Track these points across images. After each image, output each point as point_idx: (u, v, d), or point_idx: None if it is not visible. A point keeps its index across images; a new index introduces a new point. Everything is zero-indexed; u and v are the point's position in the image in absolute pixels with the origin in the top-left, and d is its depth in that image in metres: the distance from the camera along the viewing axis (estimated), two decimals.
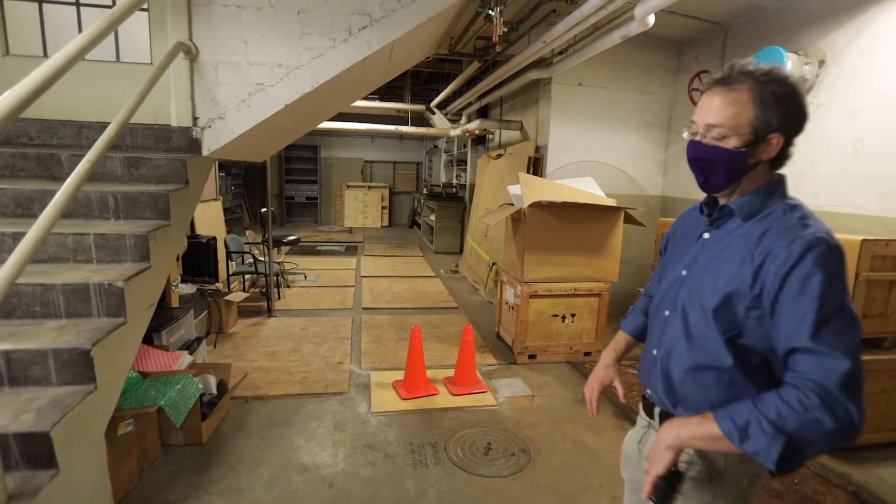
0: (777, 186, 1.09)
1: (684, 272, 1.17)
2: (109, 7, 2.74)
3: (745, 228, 1.08)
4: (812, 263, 0.94)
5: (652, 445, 1.07)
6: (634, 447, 1.32)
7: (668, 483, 1.12)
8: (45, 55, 2.73)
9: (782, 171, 1.12)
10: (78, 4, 2.72)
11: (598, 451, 2.94)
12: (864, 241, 2.80)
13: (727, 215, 1.12)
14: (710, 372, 1.09)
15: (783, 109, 1.01)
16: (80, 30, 2.76)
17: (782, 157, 1.07)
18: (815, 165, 3.54)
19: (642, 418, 1.33)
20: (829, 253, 0.95)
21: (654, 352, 1.23)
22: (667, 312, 1.20)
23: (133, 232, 2.16)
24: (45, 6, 2.72)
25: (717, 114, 1.04)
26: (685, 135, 1.13)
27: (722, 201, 1.14)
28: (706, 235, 1.16)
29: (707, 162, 1.08)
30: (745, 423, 0.92)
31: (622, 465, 1.40)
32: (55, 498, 1.50)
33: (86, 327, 1.87)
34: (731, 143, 1.03)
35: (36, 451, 1.48)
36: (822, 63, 3.57)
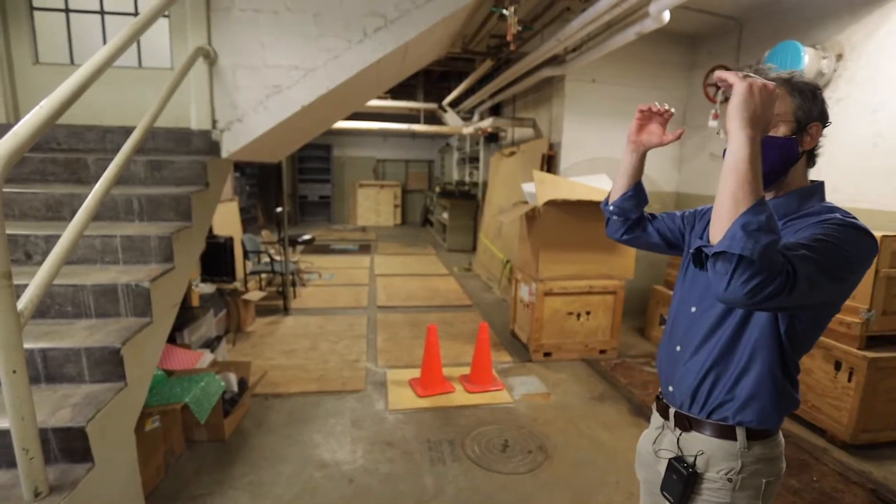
0: (817, 189, 1.12)
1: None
2: (132, 14, 2.82)
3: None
4: (838, 223, 0.96)
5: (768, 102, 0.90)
6: (649, 448, 1.31)
7: (685, 483, 1.14)
8: (72, 63, 2.81)
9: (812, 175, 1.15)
10: (102, 13, 2.80)
11: (614, 448, 2.95)
12: (884, 237, 2.78)
13: None
14: (736, 369, 1.11)
15: (818, 100, 1.07)
16: (104, 37, 2.83)
17: (816, 152, 1.12)
18: (833, 160, 3.50)
19: (656, 418, 1.31)
20: (855, 228, 0.96)
21: (678, 348, 1.23)
22: (693, 309, 1.20)
23: (157, 233, 2.21)
24: (71, 15, 2.80)
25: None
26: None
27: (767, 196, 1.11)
28: None
29: (772, 149, 1.06)
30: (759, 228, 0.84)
31: (637, 466, 1.40)
32: (92, 491, 1.56)
33: (115, 327, 1.92)
34: (780, 131, 1.07)
35: (73, 445, 1.54)
36: (839, 57, 3.52)
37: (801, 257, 0.87)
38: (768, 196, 1.11)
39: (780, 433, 1.18)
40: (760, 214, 0.83)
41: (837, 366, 2.98)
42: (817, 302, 0.93)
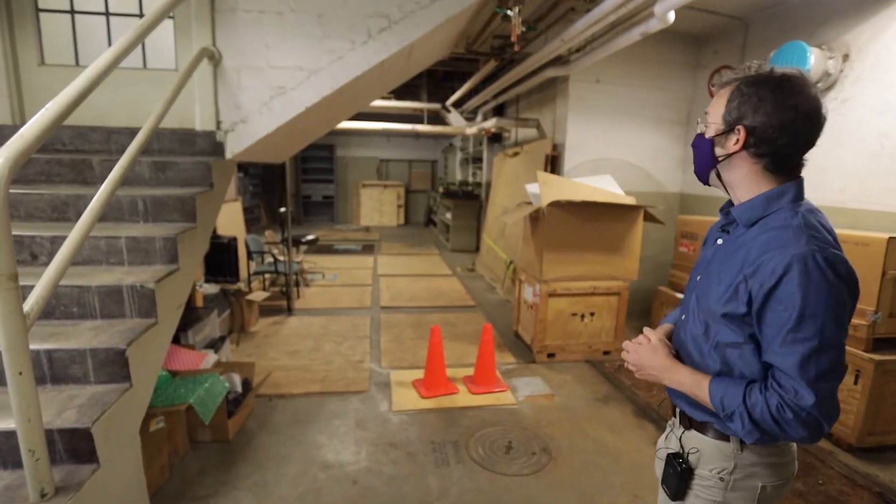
0: (785, 191, 1.07)
1: (699, 277, 1.20)
2: (136, 15, 2.82)
3: (748, 235, 1.08)
4: (794, 282, 0.95)
5: (636, 366, 1.22)
6: (662, 444, 1.34)
7: (679, 478, 1.18)
8: (77, 64, 2.82)
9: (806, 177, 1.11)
10: (108, 14, 2.80)
11: (619, 450, 2.94)
12: (890, 238, 2.75)
13: (734, 221, 1.14)
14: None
15: (745, 104, 1.04)
16: (109, 38, 2.84)
17: (762, 154, 1.06)
18: (839, 161, 3.48)
19: (671, 417, 1.35)
20: (812, 270, 0.94)
21: (673, 352, 1.25)
22: (683, 316, 1.24)
23: (162, 234, 2.22)
24: (76, 16, 2.81)
25: (710, 107, 1.13)
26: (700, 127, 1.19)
27: (735, 205, 1.15)
28: (719, 241, 1.18)
29: (694, 150, 1.18)
30: (731, 412, 1.03)
31: (657, 464, 1.41)
32: (97, 491, 1.56)
33: (120, 328, 1.93)
34: (709, 132, 1.12)
35: (78, 446, 1.55)
36: (846, 58, 3.50)
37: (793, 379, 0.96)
38: (736, 203, 1.13)
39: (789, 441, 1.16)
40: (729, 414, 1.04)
41: None
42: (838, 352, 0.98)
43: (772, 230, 1.03)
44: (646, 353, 1.20)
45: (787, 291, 0.96)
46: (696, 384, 1.10)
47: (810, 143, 1.05)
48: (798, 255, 0.95)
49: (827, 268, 0.95)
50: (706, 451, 1.16)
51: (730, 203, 1.18)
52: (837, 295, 0.95)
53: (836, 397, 0.98)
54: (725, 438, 1.13)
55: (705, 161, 1.15)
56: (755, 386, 1.02)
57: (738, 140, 1.06)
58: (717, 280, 1.11)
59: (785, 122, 1.01)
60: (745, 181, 1.10)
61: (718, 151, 1.11)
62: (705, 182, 1.19)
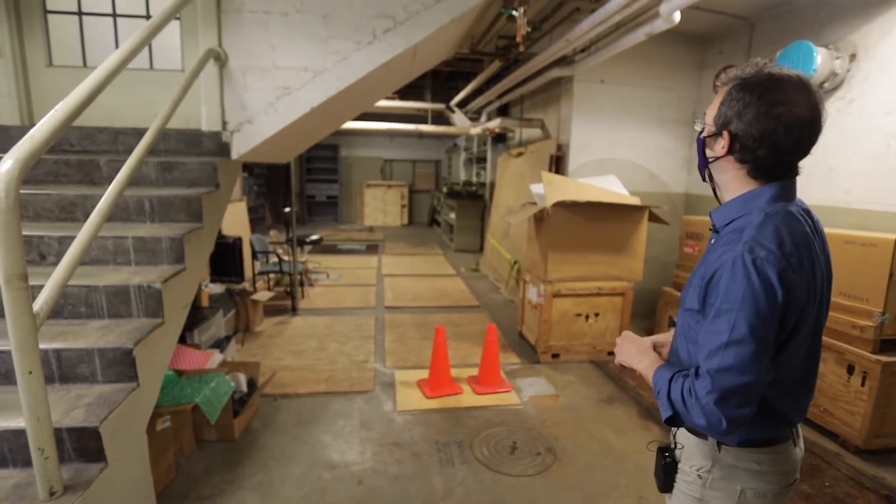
0: (761, 193, 1.05)
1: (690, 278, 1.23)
2: (143, 17, 2.84)
3: (720, 237, 1.10)
4: (723, 277, 0.99)
5: (623, 341, 1.32)
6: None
7: (664, 470, 1.23)
8: (85, 65, 2.83)
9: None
10: (115, 15, 2.82)
11: (624, 451, 2.93)
12: None
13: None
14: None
15: (731, 109, 1.04)
16: (116, 39, 2.85)
17: (745, 160, 1.05)
18: (846, 161, 3.45)
19: None
20: (738, 268, 0.97)
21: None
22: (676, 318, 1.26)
23: (168, 235, 2.23)
24: (83, 18, 2.82)
25: (709, 106, 1.14)
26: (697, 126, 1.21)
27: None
28: (712, 241, 1.19)
29: (697, 147, 1.20)
30: (658, 389, 1.11)
31: None
32: (105, 490, 1.57)
33: (127, 327, 1.94)
34: (703, 133, 1.14)
35: (86, 445, 1.56)
36: (853, 57, 3.48)
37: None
38: (723, 202, 1.15)
39: (784, 449, 1.13)
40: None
41: (850, 370, 2.94)
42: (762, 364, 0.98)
43: (734, 231, 1.05)
44: (622, 340, 1.32)
45: (716, 286, 1.01)
46: (648, 367, 1.18)
47: (798, 153, 1.03)
48: (734, 254, 0.98)
49: (752, 268, 0.95)
50: (688, 447, 1.19)
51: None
52: (754, 296, 0.95)
53: (744, 398, 0.97)
54: (705, 437, 1.15)
55: (699, 160, 1.18)
56: (680, 374, 1.08)
57: (724, 145, 1.07)
58: (691, 278, 1.14)
59: (766, 133, 1.00)
60: (732, 183, 1.11)
61: (709, 153, 1.13)
62: (703, 179, 1.22)
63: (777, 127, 0.98)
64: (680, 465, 1.20)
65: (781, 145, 1.00)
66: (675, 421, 1.10)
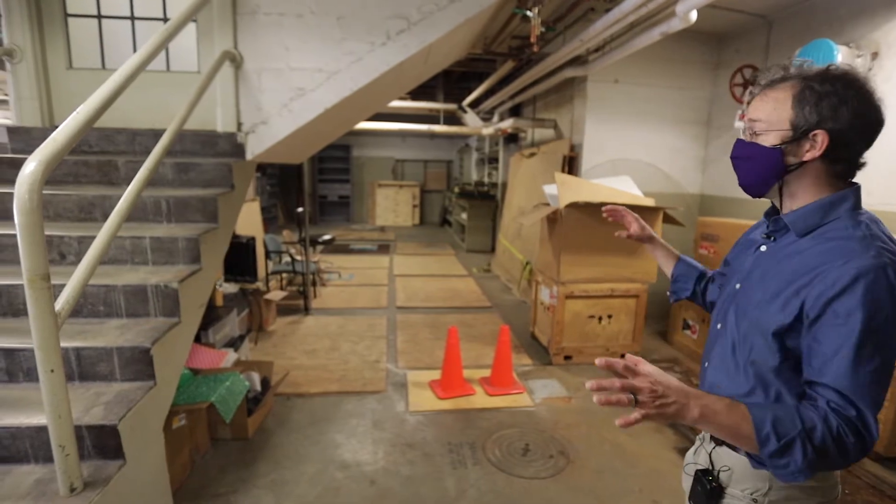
0: (844, 198, 0.99)
1: (738, 286, 1.13)
2: (161, 19, 2.87)
3: (801, 245, 1.00)
4: (860, 296, 0.87)
5: (664, 386, 0.88)
6: (691, 459, 1.27)
7: (709, 496, 1.11)
8: (104, 67, 2.87)
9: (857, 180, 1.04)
10: (133, 18, 2.86)
11: (637, 455, 2.91)
12: None
13: (783, 228, 1.05)
14: (751, 395, 1.05)
15: (823, 105, 0.94)
16: (134, 41, 2.89)
17: (839, 160, 0.97)
18: (867, 162, 3.39)
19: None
20: (881, 285, 0.87)
21: (706, 364, 1.20)
22: (719, 325, 1.16)
23: (185, 235, 2.25)
24: (102, 20, 2.87)
25: (758, 109, 1.02)
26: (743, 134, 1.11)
27: (784, 212, 1.07)
28: (763, 248, 1.11)
29: (744, 160, 1.06)
30: (790, 440, 0.87)
31: (684, 479, 1.36)
32: (123, 487, 1.59)
33: (145, 326, 1.97)
34: (768, 139, 1.00)
35: (106, 442, 1.58)
36: (875, 55, 3.41)
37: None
38: (785, 210, 1.05)
39: None
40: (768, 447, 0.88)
41: None
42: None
43: (832, 240, 0.95)
44: (662, 374, 0.91)
45: (847, 305, 0.88)
46: (730, 408, 0.90)
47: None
48: (865, 268, 0.88)
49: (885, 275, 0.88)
50: (739, 469, 1.09)
51: (774, 208, 1.11)
52: None
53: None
54: (760, 461, 1.04)
55: (765, 172, 1.02)
56: (801, 408, 0.92)
57: (813, 147, 0.96)
58: (761, 289, 1.03)
59: (867, 126, 0.95)
60: (809, 189, 1.01)
61: (791, 160, 0.99)
62: (758, 195, 1.08)
63: (879, 119, 0.95)
64: (729, 490, 1.10)
65: (874, 139, 0.96)
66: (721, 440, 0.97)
